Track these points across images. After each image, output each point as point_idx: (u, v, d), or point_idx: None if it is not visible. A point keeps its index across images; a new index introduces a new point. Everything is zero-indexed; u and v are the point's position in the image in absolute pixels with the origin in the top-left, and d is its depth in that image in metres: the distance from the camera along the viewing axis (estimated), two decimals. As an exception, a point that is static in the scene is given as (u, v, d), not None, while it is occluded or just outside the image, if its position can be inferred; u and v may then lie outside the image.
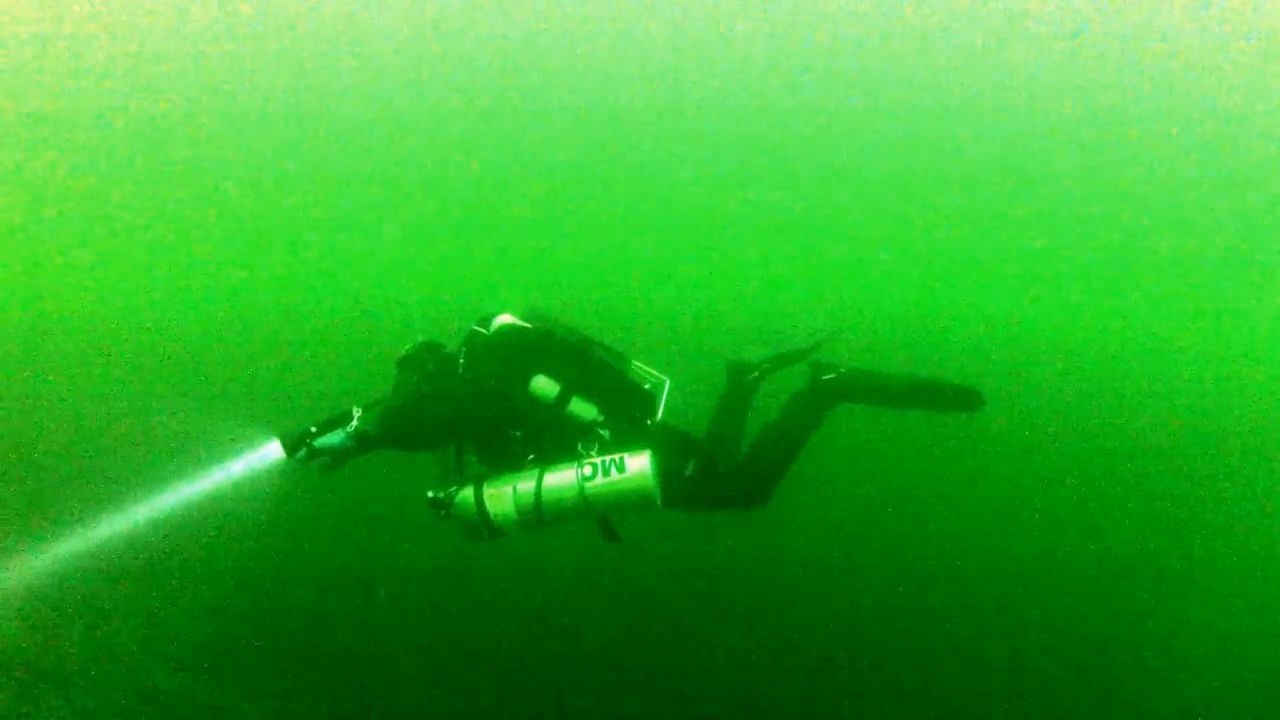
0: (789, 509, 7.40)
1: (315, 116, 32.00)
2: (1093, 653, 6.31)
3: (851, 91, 33.34)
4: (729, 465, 4.02)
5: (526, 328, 3.85)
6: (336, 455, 3.61)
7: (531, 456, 3.79)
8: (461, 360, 3.89)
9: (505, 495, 3.67)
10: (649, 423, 3.92)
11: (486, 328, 3.85)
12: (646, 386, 4.00)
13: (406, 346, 4.00)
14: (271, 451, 3.52)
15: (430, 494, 3.74)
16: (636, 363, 4.07)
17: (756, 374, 4.36)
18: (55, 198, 26.02)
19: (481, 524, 3.68)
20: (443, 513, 3.73)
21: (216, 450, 3.47)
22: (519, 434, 3.81)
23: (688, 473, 3.89)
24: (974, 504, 7.90)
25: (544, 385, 3.78)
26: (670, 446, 3.86)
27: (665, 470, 3.77)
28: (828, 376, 4.10)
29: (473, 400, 3.77)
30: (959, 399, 4.02)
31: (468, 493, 3.69)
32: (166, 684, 5.32)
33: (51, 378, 10.79)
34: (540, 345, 3.81)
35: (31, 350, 12.57)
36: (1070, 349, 11.62)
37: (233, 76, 31.81)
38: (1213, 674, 6.08)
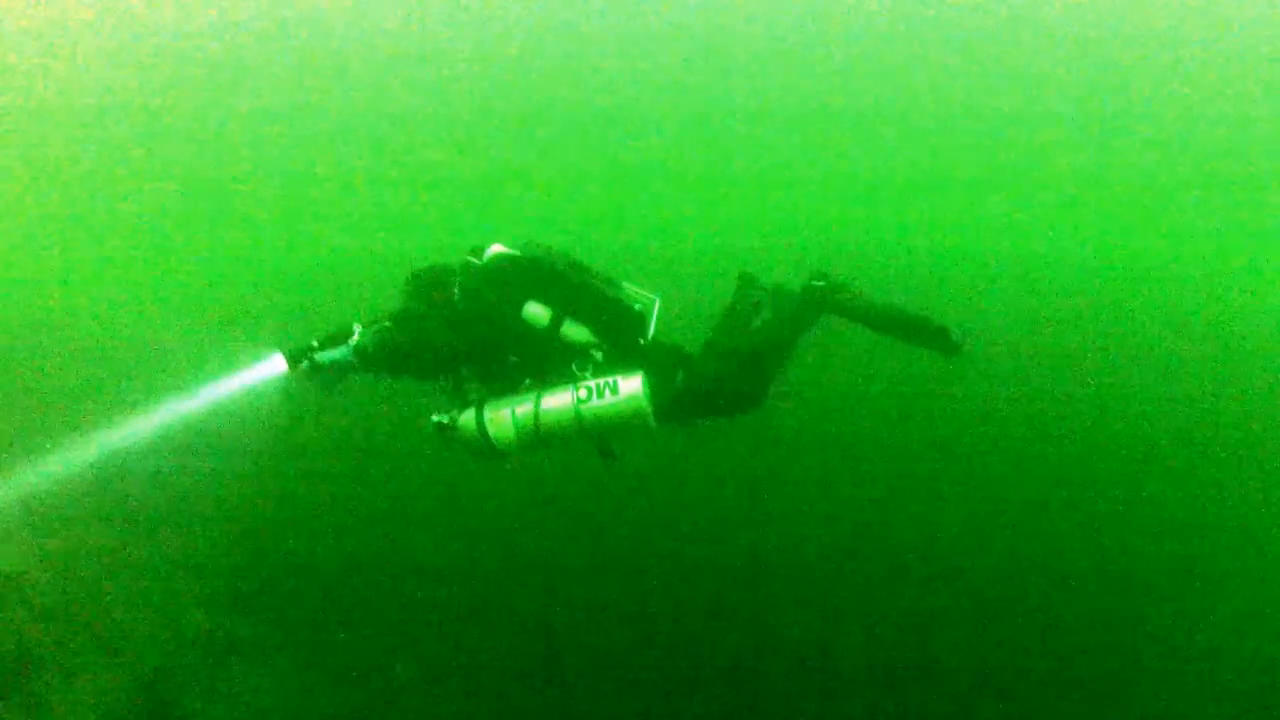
0: (790, 506, 7.47)
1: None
2: (1093, 651, 6.21)
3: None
4: (719, 372, 4.13)
5: (517, 256, 4.01)
6: (338, 370, 3.82)
7: (528, 381, 3.97)
8: (456, 291, 4.07)
9: (505, 419, 3.85)
10: (641, 342, 4.07)
11: (479, 257, 4.02)
12: (637, 307, 4.15)
13: (411, 270, 4.15)
14: (275, 365, 3.73)
15: (434, 418, 3.94)
16: (627, 284, 4.21)
17: (763, 294, 4.42)
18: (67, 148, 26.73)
19: (483, 446, 3.87)
20: (447, 436, 3.92)
21: (222, 364, 3.69)
22: (515, 359, 4.00)
23: (678, 382, 4.04)
24: (974, 501, 7.74)
25: (536, 312, 3.95)
26: (661, 362, 4.02)
27: (657, 387, 3.93)
28: (817, 283, 4.21)
29: (467, 327, 3.96)
30: (937, 340, 4.07)
31: (469, 417, 3.88)
32: (197, 623, 5.56)
33: (60, 304, 11.11)
34: (530, 273, 3.97)
35: (42, 280, 12.95)
36: (1074, 345, 11.38)
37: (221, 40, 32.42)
38: (1213, 674, 5.97)
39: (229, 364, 3.73)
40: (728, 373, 4.10)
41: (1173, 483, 8.06)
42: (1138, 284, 14.31)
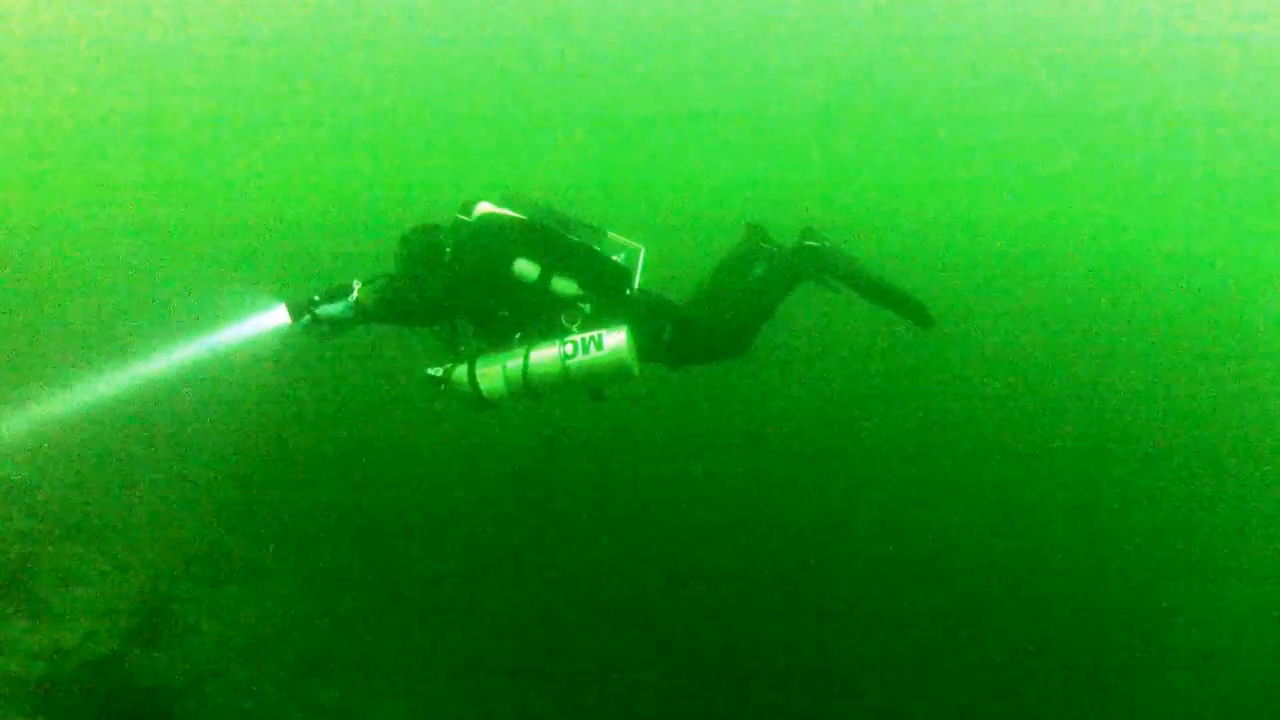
0: (787, 507, 7.56)
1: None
2: (1092, 651, 6.39)
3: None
4: (707, 322, 4.32)
5: (505, 215, 4.16)
6: (337, 324, 4.00)
7: (519, 334, 4.14)
8: (448, 249, 4.19)
9: (495, 373, 4.03)
10: (627, 292, 4.23)
11: (469, 215, 4.15)
12: (622, 257, 4.28)
13: (402, 234, 4.25)
14: (277, 316, 3.90)
15: (429, 371, 4.12)
16: (611, 233, 4.35)
17: (765, 247, 4.58)
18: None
19: (475, 398, 4.06)
20: (440, 388, 4.11)
21: (227, 312, 3.84)
22: (506, 313, 4.16)
23: (665, 335, 4.24)
24: (972, 500, 7.89)
25: (525, 268, 4.10)
26: (647, 314, 4.20)
27: (643, 339, 4.12)
28: (810, 243, 4.38)
29: (460, 285, 4.11)
30: (915, 313, 4.31)
31: (462, 370, 4.05)
32: (199, 541, 5.79)
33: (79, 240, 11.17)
34: (518, 230, 4.12)
35: (58, 217, 12.95)
36: (1073, 344, 11.36)
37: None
38: (1213, 673, 6.15)
39: (234, 311, 3.88)
40: (716, 322, 4.30)
41: (1172, 481, 8.21)
42: (1137, 282, 14.28)
